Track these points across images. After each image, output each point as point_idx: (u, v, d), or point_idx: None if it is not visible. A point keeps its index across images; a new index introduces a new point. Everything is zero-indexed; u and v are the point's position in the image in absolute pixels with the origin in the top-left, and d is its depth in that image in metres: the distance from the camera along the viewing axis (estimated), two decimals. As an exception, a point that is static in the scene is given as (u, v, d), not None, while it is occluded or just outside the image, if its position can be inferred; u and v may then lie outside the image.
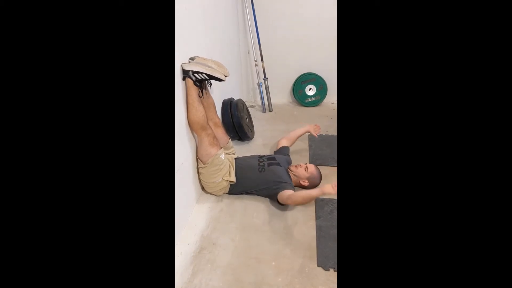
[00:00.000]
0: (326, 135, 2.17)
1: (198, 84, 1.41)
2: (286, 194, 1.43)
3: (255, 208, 1.52)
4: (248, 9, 2.48)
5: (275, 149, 1.88)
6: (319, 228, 1.37)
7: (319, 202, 1.47)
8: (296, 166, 1.63)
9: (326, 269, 1.18)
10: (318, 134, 1.93)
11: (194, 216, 1.48)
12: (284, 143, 1.86)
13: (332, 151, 1.97)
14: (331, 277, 1.15)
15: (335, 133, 2.20)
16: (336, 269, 1.18)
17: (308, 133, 1.92)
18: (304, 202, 1.42)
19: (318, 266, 1.20)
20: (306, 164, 1.64)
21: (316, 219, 1.42)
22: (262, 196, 1.57)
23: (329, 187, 1.26)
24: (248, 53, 2.69)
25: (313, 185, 1.61)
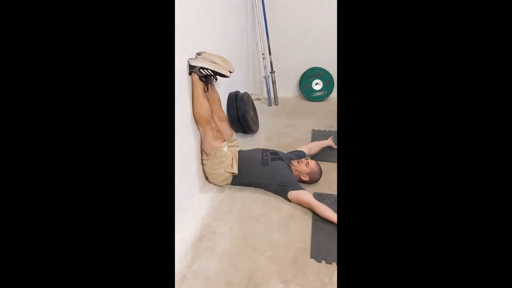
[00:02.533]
0: (330, 131, 2.20)
1: (204, 79, 1.46)
2: (306, 198, 1.47)
3: (254, 200, 1.58)
4: (258, 1, 2.49)
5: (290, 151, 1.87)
6: (314, 222, 1.43)
7: (317, 197, 1.53)
8: (298, 162, 1.68)
9: (318, 260, 1.25)
10: (322, 130, 1.96)
11: (196, 205, 1.56)
12: (302, 148, 1.87)
13: (332, 148, 2.00)
14: (322, 268, 1.22)
15: (339, 129, 2.23)
16: (327, 261, 1.24)
17: (330, 146, 1.96)
18: (320, 216, 1.43)
19: (311, 257, 1.26)
20: (307, 160, 1.69)
21: (312, 212, 1.48)
22: (266, 190, 1.63)
23: None
24: (256, 45, 2.71)
25: (313, 180, 1.66)
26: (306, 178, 1.64)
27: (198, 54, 1.47)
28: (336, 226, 1.37)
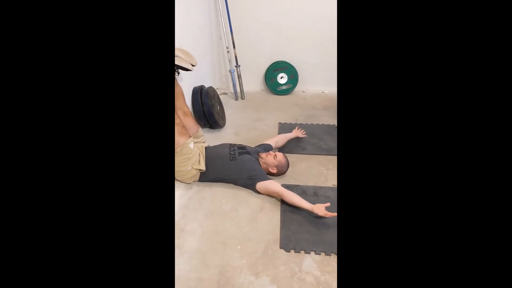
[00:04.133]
0: (296, 124, 2.25)
1: (165, 73, 1.40)
2: (273, 187, 1.49)
3: (223, 195, 1.57)
4: (220, -6, 2.44)
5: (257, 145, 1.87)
6: (283, 213, 1.46)
7: (286, 188, 1.55)
8: (266, 154, 1.69)
9: (288, 250, 1.28)
10: (288, 123, 2.00)
11: (163, 203, 1.51)
12: (269, 141, 1.88)
13: (299, 139, 2.05)
14: (292, 257, 1.25)
15: (304, 122, 2.28)
16: (296, 250, 1.28)
17: (297, 137, 2.00)
18: (289, 202, 1.46)
19: (280, 248, 1.29)
20: (275, 152, 1.71)
21: (281, 203, 1.50)
22: (235, 184, 1.62)
23: (322, 209, 1.33)
24: (220, 39, 2.66)
25: (281, 172, 1.69)
26: (274, 171, 1.67)
27: (158, 47, 1.41)
28: (303, 210, 1.42)
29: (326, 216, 1.34)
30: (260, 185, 1.53)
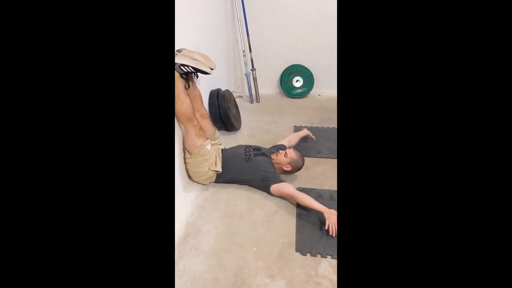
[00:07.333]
0: (311, 127, 2.24)
1: (184, 76, 1.43)
2: (286, 189, 1.48)
3: (238, 197, 1.58)
4: (237, -1, 2.47)
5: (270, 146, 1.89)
6: (299, 216, 1.45)
7: (301, 191, 1.55)
8: (276, 154, 1.69)
9: (303, 254, 1.27)
10: (303, 126, 2.00)
11: (179, 204, 1.54)
12: (282, 141, 1.90)
13: (316, 143, 2.04)
14: (307, 261, 1.24)
15: (319, 125, 2.27)
16: (312, 254, 1.27)
17: (307, 136, 2.02)
18: (302, 205, 1.45)
19: (296, 251, 1.28)
20: (285, 151, 1.70)
21: (296, 207, 1.50)
22: (249, 185, 1.63)
23: (334, 218, 1.31)
24: (237, 42, 2.70)
25: (296, 167, 1.67)
26: (288, 168, 1.65)
27: (178, 51, 1.44)
28: (318, 214, 1.41)
29: (333, 227, 1.30)
30: (274, 188, 1.53)
